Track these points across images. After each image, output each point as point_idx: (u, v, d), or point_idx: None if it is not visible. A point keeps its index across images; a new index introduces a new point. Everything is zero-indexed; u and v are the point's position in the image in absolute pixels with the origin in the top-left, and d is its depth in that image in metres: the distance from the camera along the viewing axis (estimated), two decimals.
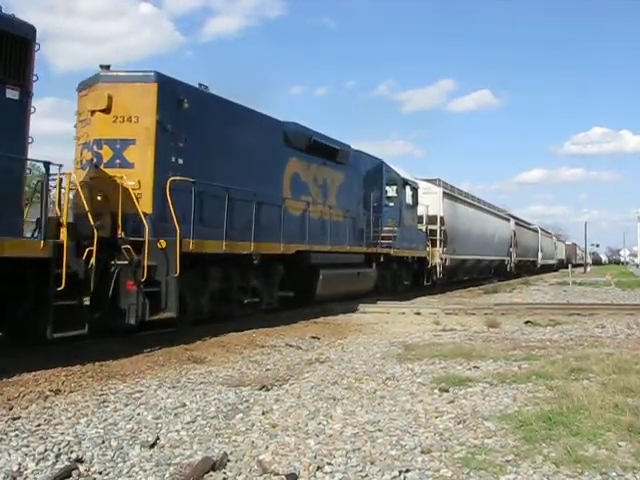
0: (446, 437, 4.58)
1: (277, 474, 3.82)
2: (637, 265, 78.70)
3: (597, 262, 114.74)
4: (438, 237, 22.72)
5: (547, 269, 55.57)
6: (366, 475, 3.83)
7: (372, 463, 4.02)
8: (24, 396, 5.66)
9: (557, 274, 50.65)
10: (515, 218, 42.13)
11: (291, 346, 9.09)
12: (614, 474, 3.80)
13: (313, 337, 10.05)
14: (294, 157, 12.87)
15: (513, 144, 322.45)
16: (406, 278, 19.94)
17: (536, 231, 50.86)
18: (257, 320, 11.15)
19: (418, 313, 13.93)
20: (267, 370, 7.29)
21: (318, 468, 3.92)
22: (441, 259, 22.63)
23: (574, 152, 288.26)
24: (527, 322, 12.25)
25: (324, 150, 14.00)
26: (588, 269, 62.46)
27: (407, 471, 3.88)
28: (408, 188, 19.42)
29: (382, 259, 16.86)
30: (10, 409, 5.24)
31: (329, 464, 3.99)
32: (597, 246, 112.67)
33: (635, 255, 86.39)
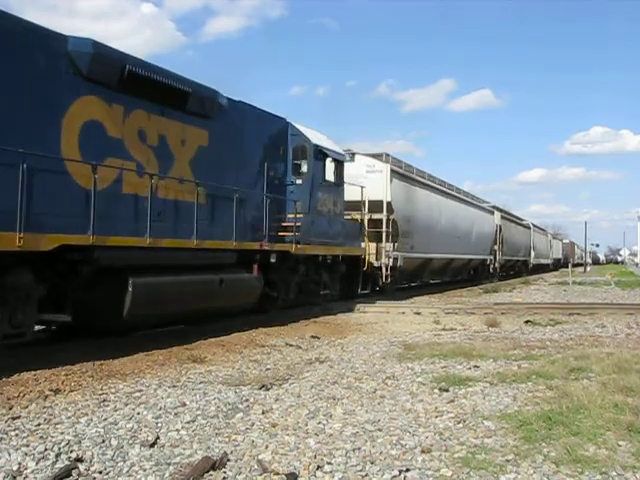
0: (446, 436, 4.58)
1: (277, 473, 3.82)
2: (637, 264, 78.80)
3: (595, 262, 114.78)
4: (384, 229, 17.61)
5: (541, 270, 51.32)
6: (366, 474, 3.83)
7: (372, 462, 4.02)
8: (24, 395, 5.66)
9: (557, 273, 50.64)
10: (501, 211, 36.50)
11: (291, 345, 9.09)
12: (614, 473, 3.80)
13: (313, 336, 10.05)
14: (90, 96, 8.05)
15: (513, 144, 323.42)
16: (329, 285, 14.48)
17: (528, 227, 45.74)
18: (258, 320, 11.15)
19: (418, 313, 13.93)
20: (267, 369, 7.29)
21: (318, 467, 3.92)
22: (389, 258, 17.70)
23: (574, 151, 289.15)
24: (527, 321, 12.27)
25: (159, 91, 8.99)
26: (588, 268, 62.42)
27: (407, 470, 3.88)
28: (328, 160, 13.78)
29: (273, 259, 11.74)
30: (10, 408, 5.24)
31: (329, 463, 3.99)
32: (597, 246, 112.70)
33: (635, 254, 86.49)
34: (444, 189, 25.40)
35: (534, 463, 3.99)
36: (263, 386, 6.21)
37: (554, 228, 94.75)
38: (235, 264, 10.64)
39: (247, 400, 5.66)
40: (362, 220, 16.42)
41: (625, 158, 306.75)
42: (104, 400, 5.59)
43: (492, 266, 32.59)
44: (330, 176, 14.00)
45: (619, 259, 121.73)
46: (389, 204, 17.87)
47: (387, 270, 17.68)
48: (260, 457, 4.09)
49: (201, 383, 6.39)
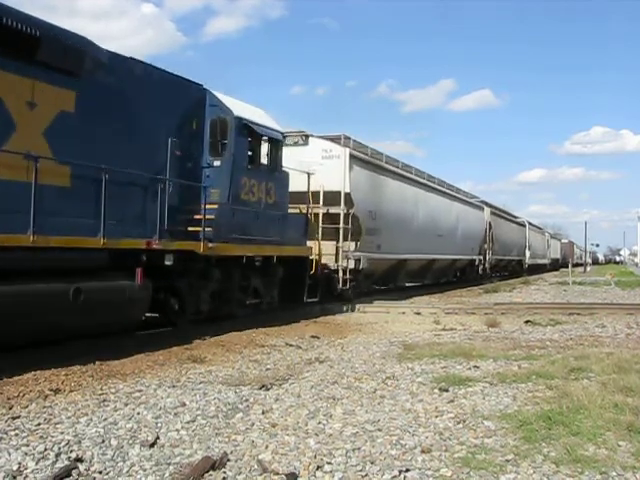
0: (446, 436, 4.58)
1: (277, 473, 3.82)
2: (636, 264, 78.87)
3: (595, 262, 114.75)
4: (342, 225, 14.85)
5: (538, 270, 48.42)
6: (366, 474, 3.83)
7: (372, 462, 4.02)
8: (24, 395, 5.66)
9: (557, 273, 50.57)
10: (491, 207, 33.18)
11: (291, 345, 9.09)
12: (614, 474, 3.80)
13: (313, 336, 10.06)
14: None
15: (513, 144, 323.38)
16: (262, 292, 11.73)
17: (523, 225, 43.22)
18: (258, 320, 11.15)
19: (418, 313, 13.94)
20: (267, 369, 7.29)
21: (318, 467, 3.92)
22: (348, 259, 15.08)
23: (574, 152, 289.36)
24: (527, 321, 12.28)
25: None
26: (588, 269, 62.31)
27: (407, 470, 3.88)
28: (257, 139, 11.15)
29: (169, 261, 9.03)
30: (10, 408, 5.24)
31: (329, 463, 3.99)
32: (597, 246, 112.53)
33: (635, 255, 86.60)
34: (422, 180, 22.09)
35: (534, 463, 3.99)
36: (263, 386, 6.21)
37: (554, 228, 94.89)
38: (107, 268, 8.07)
39: (247, 400, 5.66)
40: (310, 214, 13.38)
41: (625, 158, 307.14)
42: (104, 400, 5.59)
43: (482, 267, 29.68)
44: (262, 158, 11.39)
45: (617, 259, 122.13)
46: (348, 196, 15.10)
47: (346, 274, 15.04)
48: (260, 457, 4.09)
49: (201, 383, 6.39)
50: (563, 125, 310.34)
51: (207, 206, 9.66)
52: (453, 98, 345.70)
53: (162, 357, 7.79)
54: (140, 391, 5.98)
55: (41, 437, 4.45)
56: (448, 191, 25.53)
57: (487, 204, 32.37)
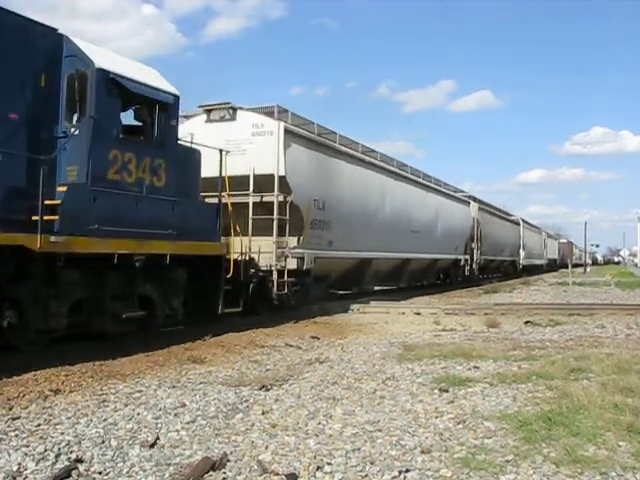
0: (446, 437, 4.58)
1: (277, 474, 3.82)
2: (636, 265, 78.92)
3: (594, 262, 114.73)
4: (276, 216, 12.19)
5: (533, 271, 46.01)
6: (366, 475, 3.83)
7: (372, 463, 4.02)
8: (24, 396, 5.66)
9: (556, 274, 50.54)
10: (479, 202, 30.29)
11: (291, 346, 9.09)
12: (614, 474, 3.80)
13: (313, 337, 10.05)
14: None
15: (513, 144, 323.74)
16: (157, 302, 9.05)
17: (517, 223, 41.10)
18: (257, 320, 11.15)
19: (418, 313, 13.93)
20: (267, 370, 7.29)
21: (318, 468, 3.92)
22: (285, 257, 12.39)
23: (574, 152, 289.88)
24: (527, 322, 12.27)
25: None
26: (588, 269, 62.25)
27: (407, 471, 3.88)
28: (136, 99, 8.54)
29: None
30: (10, 409, 5.24)
31: (329, 464, 3.99)
32: (597, 246, 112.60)
33: (635, 255, 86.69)
34: (390, 167, 18.65)
35: (534, 464, 3.99)
36: (263, 387, 6.21)
37: (554, 229, 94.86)
38: None
39: (247, 401, 5.66)
40: (225, 203, 10.47)
41: (625, 159, 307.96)
42: (104, 400, 5.59)
43: (468, 267, 27.04)
44: (149, 128, 8.78)
45: (616, 259, 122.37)
46: (283, 179, 12.34)
47: (283, 276, 12.22)
48: (260, 457, 4.09)
49: (201, 384, 6.39)
50: (563, 125, 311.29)
51: (60, 188, 7.49)
52: (453, 99, 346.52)
53: (162, 357, 7.79)
54: (140, 392, 5.98)
55: (41, 438, 4.45)
56: (425, 182, 22.11)
57: (474, 199, 29.70)
